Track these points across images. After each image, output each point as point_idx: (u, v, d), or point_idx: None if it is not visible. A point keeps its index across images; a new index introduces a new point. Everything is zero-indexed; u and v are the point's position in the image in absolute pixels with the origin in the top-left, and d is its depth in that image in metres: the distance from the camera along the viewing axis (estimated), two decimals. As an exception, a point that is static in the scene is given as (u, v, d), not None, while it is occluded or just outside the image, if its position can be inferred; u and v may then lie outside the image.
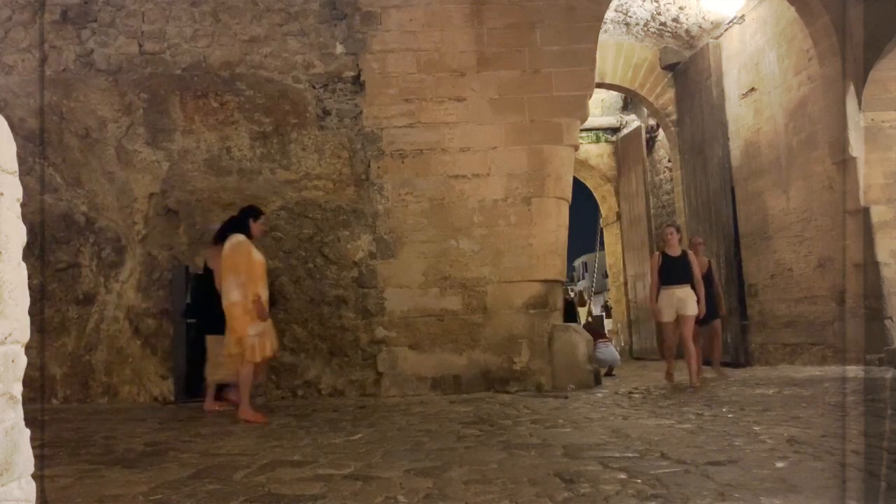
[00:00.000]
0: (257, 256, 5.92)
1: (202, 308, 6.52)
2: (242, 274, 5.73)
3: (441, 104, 8.01)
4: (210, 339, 6.57)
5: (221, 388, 6.76)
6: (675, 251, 7.91)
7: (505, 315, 7.79)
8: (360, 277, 7.83)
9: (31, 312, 1.77)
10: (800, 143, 9.44)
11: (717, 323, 8.80)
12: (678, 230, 8.13)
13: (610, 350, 10.80)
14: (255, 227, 6.09)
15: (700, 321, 8.02)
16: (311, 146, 7.98)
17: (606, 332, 14.52)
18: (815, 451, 3.71)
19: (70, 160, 7.96)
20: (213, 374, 6.60)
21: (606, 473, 3.38)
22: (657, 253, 8.11)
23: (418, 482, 3.34)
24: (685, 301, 7.67)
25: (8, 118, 1.90)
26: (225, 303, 5.81)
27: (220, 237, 6.14)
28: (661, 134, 13.74)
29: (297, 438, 4.87)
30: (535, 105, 8.03)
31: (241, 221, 6.09)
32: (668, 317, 7.78)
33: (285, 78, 8.02)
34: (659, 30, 11.63)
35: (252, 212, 6.19)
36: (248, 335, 5.72)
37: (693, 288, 7.80)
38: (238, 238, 5.89)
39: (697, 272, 7.86)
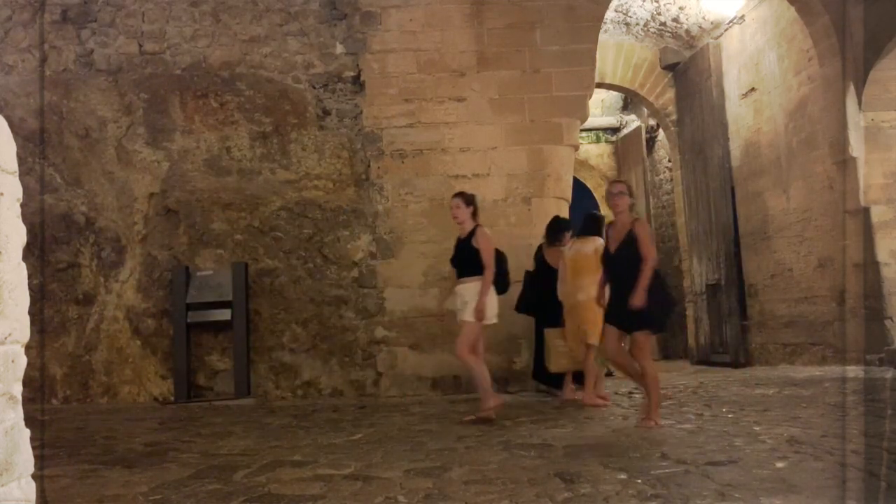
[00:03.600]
0: None
1: (541, 304, 6.83)
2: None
3: (441, 104, 8.01)
4: (549, 333, 6.83)
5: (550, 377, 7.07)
6: (462, 231, 5.82)
7: (505, 315, 7.76)
8: (360, 277, 7.83)
9: (31, 312, 1.77)
10: (800, 143, 9.43)
11: (642, 336, 5.09)
12: (464, 199, 5.84)
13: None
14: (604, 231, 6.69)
15: (624, 327, 5.14)
16: (311, 146, 7.98)
17: None
18: (815, 451, 3.71)
19: (70, 160, 7.96)
20: (559, 365, 6.80)
21: (606, 473, 3.38)
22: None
23: (418, 482, 3.34)
24: (468, 303, 5.62)
25: (8, 118, 1.90)
26: (582, 297, 6.29)
27: (554, 238, 6.87)
28: (661, 134, 13.72)
29: (297, 438, 4.87)
30: (535, 105, 8.02)
31: (594, 225, 6.68)
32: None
33: (285, 78, 8.02)
34: (659, 30, 11.62)
35: (602, 218, 6.87)
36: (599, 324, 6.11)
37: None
38: (600, 241, 6.37)
39: (487, 257, 5.61)
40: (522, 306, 7.32)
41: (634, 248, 5.05)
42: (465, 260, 5.73)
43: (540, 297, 6.91)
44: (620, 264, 5.16)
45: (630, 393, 7.23)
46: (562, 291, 6.71)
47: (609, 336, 5.24)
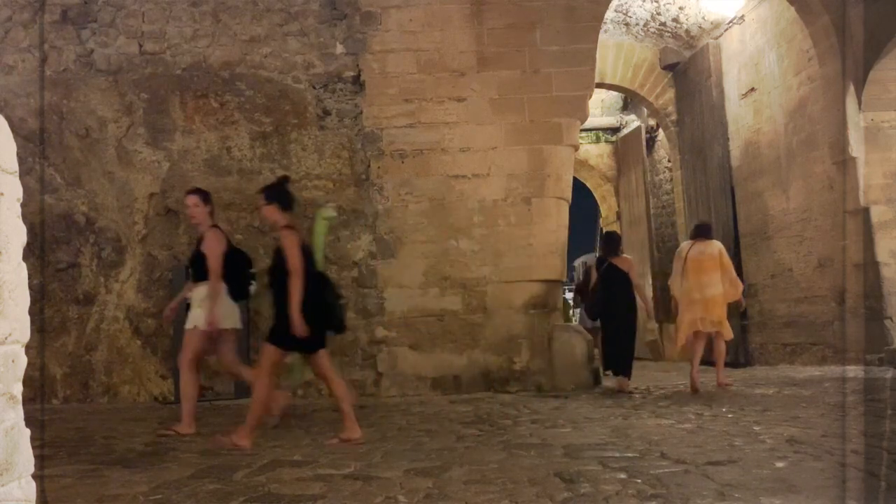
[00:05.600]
0: None
1: (619, 305, 7.63)
2: (729, 272, 7.36)
3: (441, 104, 8.00)
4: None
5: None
6: (200, 231, 5.58)
7: (505, 315, 7.78)
8: (360, 277, 7.82)
9: (31, 312, 1.77)
10: (800, 143, 9.43)
11: (317, 356, 4.94)
12: (201, 196, 5.50)
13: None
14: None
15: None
16: (311, 146, 7.97)
17: None
18: (815, 451, 3.71)
19: (70, 160, 7.96)
20: (671, 353, 7.98)
21: (606, 473, 3.38)
22: None
23: (418, 482, 3.35)
24: (194, 309, 5.39)
25: (8, 118, 1.90)
26: (710, 293, 7.21)
27: (615, 249, 7.84)
28: (661, 134, 13.72)
29: (297, 438, 4.88)
30: (535, 105, 8.02)
31: (709, 229, 7.80)
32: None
33: (285, 78, 8.01)
34: (659, 30, 11.62)
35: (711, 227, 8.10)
36: (726, 318, 7.32)
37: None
38: (720, 244, 7.60)
39: (212, 262, 5.28)
40: (595, 313, 8.22)
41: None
42: (198, 263, 5.38)
43: (610, 301, 7.65)
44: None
45: (630, 393, 7.23)
46: (678, 287, 7.49)
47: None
